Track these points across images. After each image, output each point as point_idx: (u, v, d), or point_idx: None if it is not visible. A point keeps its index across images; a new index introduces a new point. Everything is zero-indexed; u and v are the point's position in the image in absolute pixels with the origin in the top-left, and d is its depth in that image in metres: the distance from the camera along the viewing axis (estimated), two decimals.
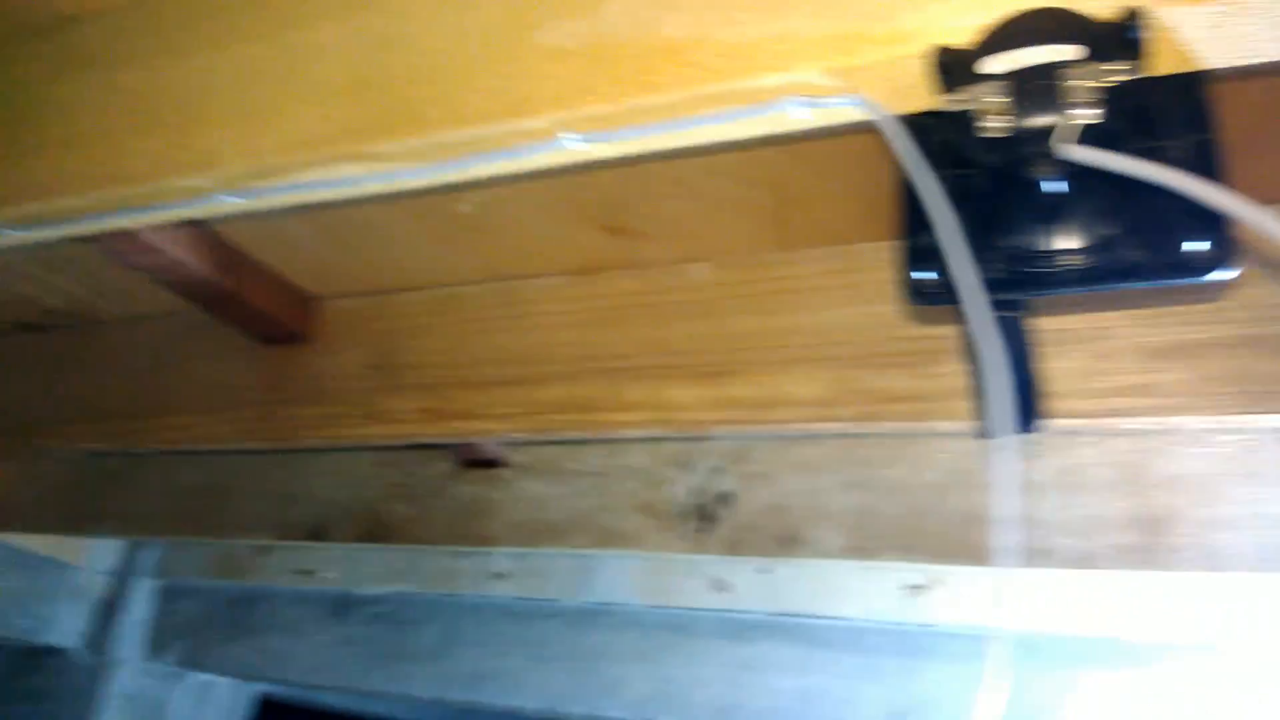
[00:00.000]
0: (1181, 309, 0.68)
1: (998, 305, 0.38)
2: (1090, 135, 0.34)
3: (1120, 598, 1.18)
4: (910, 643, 1.38)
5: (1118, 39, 0.36)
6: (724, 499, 1.21)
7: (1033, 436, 0.37)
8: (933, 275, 0.41)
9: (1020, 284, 0.39)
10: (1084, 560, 1.04)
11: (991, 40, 0.37)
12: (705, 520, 1.21)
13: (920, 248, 0.41)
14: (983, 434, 0.40)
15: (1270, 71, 0.36)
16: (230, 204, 0.61)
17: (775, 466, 1.19)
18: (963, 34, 0.38)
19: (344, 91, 0.56)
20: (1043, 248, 0.38)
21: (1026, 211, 0.39)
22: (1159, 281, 0.37)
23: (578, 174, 0.59)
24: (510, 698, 1.63)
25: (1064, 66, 0.36)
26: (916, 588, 1.36)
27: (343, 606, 1.69)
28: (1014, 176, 0.37)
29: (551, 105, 0.48)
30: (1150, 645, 1.19)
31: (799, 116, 0.44)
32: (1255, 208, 0.31)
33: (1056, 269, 0.38)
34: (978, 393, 0.40)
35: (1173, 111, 0.36)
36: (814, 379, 0.80)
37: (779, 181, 0.73)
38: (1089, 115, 0.35)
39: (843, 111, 0.43)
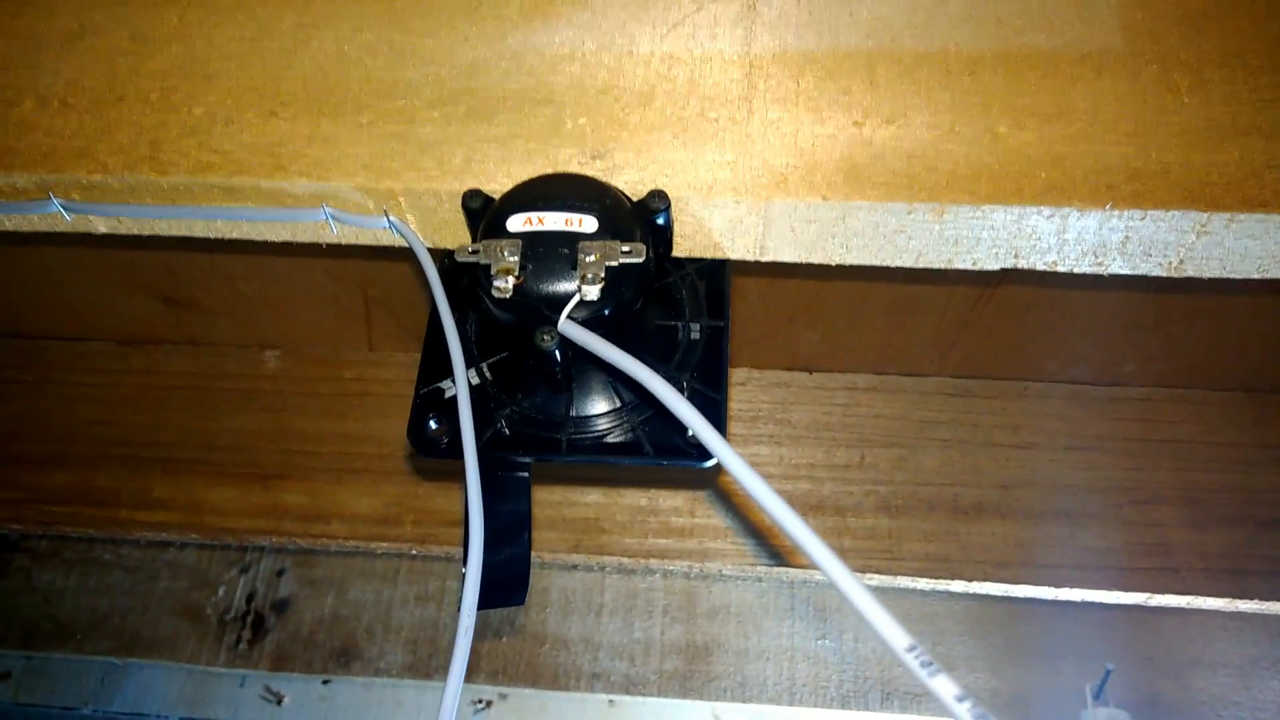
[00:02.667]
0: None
1: (506, 464, 0.36)
2: (613, 309, 0.34)
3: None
4: None
5: (638, 219, 0.37)
6: (280, 606, 1.10)
7: (504, 611, 0.34)
8: (442, 425, 0.38)
9: (526, 446, 0.37)
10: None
11: (520, 194, 0.36)
12: (256, 629, 1.09)
13: (433, 394, 0.38)
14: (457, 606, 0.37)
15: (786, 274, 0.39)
16: None
17: (343, 573, 1.11)
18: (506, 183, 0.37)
19: None
20: (556, 413, 0.37)
21: (543, 373, 0.38)
22: (661, 461, 0.37)
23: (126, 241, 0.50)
24: None
25: (581, 238, 0.35)
26: (484, 703, 1.32)
27: None
28: (506, 332, 0.36)
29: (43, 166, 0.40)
30: None
31: (334, 231, 0.40)
32: (693, 411, 0.32)
33: (568, 436, 0.37)
34: (465, 546, 0.37)
35: (694, 296, 0.37)
36: (375, 493, 0.74)
37: (366, 280, 0.68)
38: (593, 291, 0.34)
39: (373, 233, 0.40)
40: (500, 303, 0.34)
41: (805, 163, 0.40)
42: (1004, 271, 0.47)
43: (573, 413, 0.38)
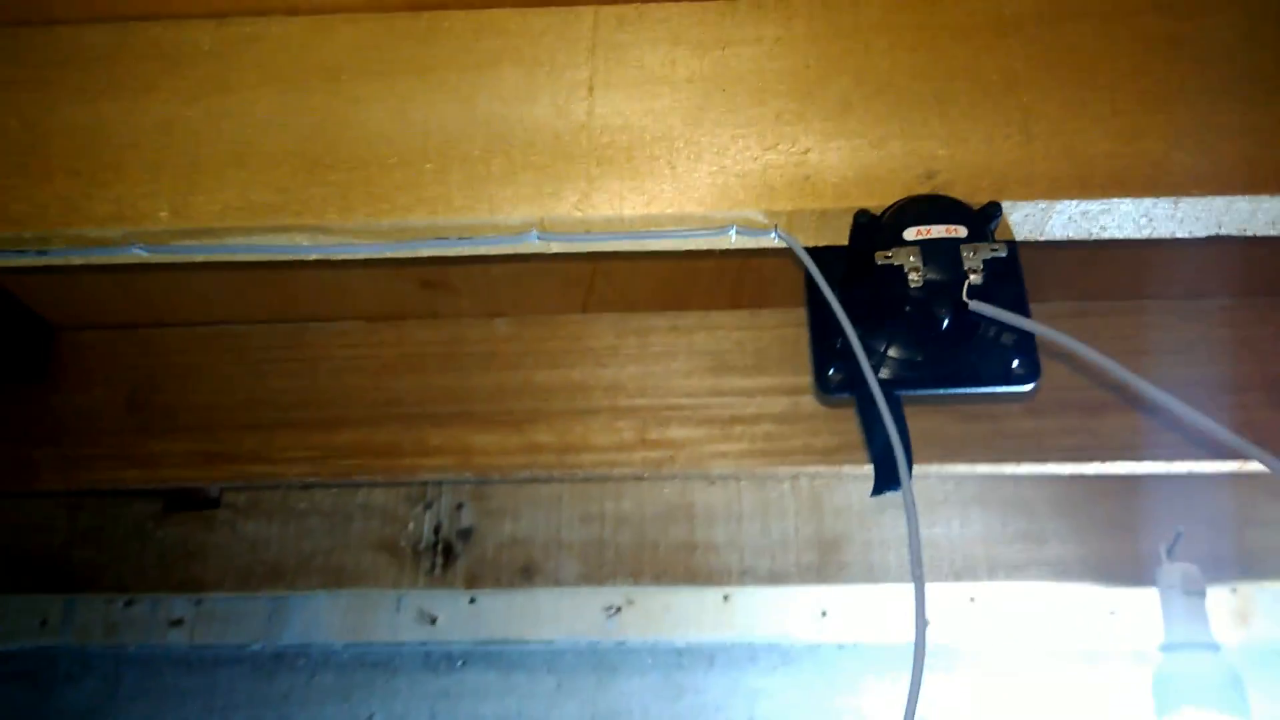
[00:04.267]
0: None
1: (887, 395, 0.52)
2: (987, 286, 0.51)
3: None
4: (605, 660, 1.53)
5: (984, 222, 0.52)
6: (464, 535, 1.27)
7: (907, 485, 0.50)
8: (841, 373, 0.54)
9: (903, 382, 0.53)
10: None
11: (899, 212, 0.52)
12: (447, 556, 1.26)
13: (828, 351, 0.54)
14: (874, 489, 0.53)
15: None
16: (142, 256, 0.57)
17: (514, 503, 1.28)
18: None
19: (289, 163, 0.56)
20: (918, 359, 0.53)
21: (907, 333, 0.54)
22: (997, 387, 0.54)
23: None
24: None
25: (960, 241, 0.51)
26: (614, 609, 1.51)
27: None
28: (897, 305, 0.51)
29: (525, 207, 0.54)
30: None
31: (738, 241, 0.55)
32: (1051, 329, 0.48)
33: (927, 371, 0.53)
34: (871, 455, 0.54)
35: (1003, 270, 0.53)
36: (610, 429, 0.91)
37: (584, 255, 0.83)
38: (976, 277, 0.51)
39: (768, 240, 0.55)
40: (913, 289, 0.50)
41: None
42: None
43: (931, 358, 0.54)
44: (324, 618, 1.51)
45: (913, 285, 0.50)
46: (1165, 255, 0.79)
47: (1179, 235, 0.55)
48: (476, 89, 0.59)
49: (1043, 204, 0.54)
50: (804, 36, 0.58)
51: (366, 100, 0.59)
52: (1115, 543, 1.22)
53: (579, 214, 0.55)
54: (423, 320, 0.96)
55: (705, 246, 0.57)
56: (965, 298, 0.51)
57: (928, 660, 1.58)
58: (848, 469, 0.88)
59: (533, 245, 0.57)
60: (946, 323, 0.52)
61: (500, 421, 0.92)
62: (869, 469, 0.97)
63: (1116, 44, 0.56)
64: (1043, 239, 0.56)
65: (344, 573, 1.27)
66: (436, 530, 1.26)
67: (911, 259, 0.51)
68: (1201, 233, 0.55)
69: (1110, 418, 0.88)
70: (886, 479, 0.53)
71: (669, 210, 0.55)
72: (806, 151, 0.55)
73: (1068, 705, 1.39)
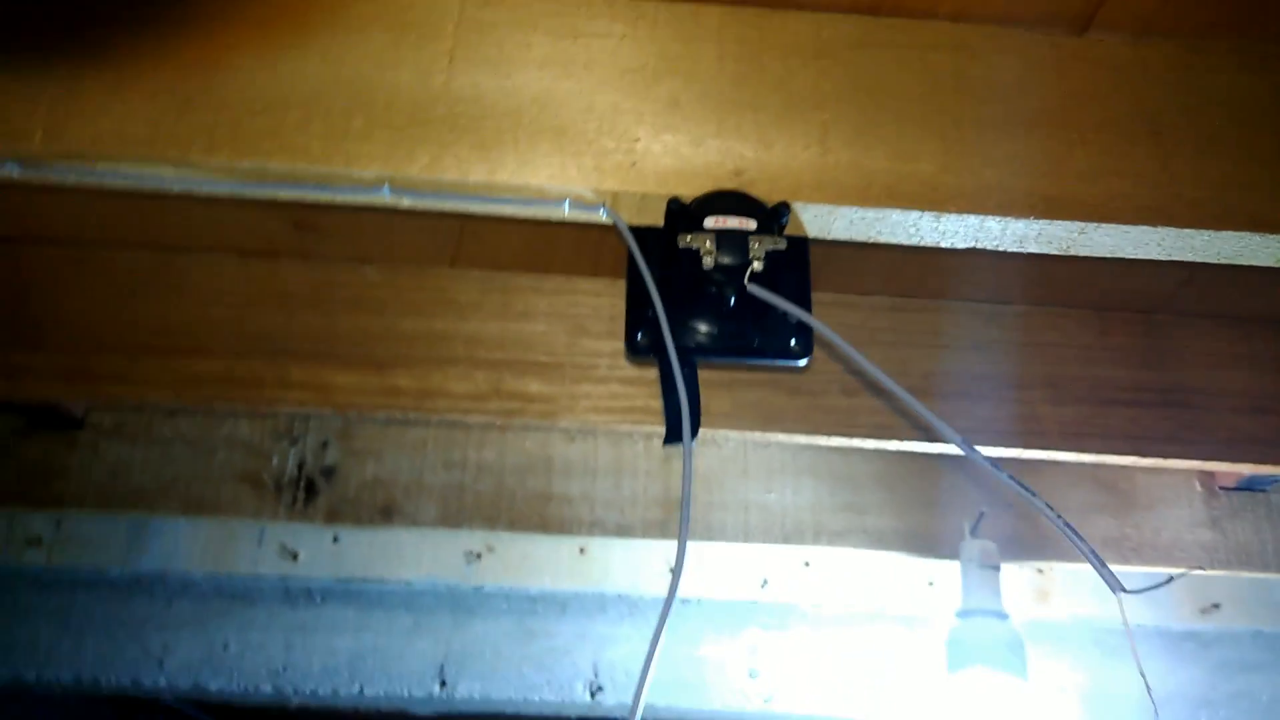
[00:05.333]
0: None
1: (683, 361, 0.60)
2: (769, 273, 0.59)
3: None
4: (462, 603, 1.60)
5: (774, 219, 0.61)
6: (328, 472, 1.32)
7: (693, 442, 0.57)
8: (647, 338, 0.62)
9: (698, 349, 0.62)
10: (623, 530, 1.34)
11: (704, 203, 0.60)
12: (308, 491, 1.31)
13: (639, 319, 0.62)
14: (665, 440, 0.61)
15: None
16: (14, 176, 0.60)
17: (379, 444, 1.33)
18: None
19: (163, 99, 0.60)
20: (711, 331, 0.62)
21: (703, 308, 0.62)
22: (771, 359, 0.62)
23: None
24: (39, 670, 1.53)
25: (749, 233, 0.59)
26: (475, 554, 1.58)
27: None
28: (694, 283, 0.60)
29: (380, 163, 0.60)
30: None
31: (571, 214, 0.62)
32: (807, 314, 0.57)
33: (718, 342, 0.61)
34: (666, 412, 0.61)
35: (789, 262, 0.61)
36: (468, 378, 0.97)
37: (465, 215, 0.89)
38: (759, 265, 0.59)
39: (597, 216, 0.62)
40: (705, 270, 0.58)
41: None
42: None
43: (723, 331, 0.62)
44: (184, 546, 1.54)
45: (706, 267, 0.58)
46: (973, 263, 0.89)
47: (942, 245, 0.65)
48: (346, 49, 0.64)
49: (828, 207, 0.62)
50: (647, 37, 0.65)
51: (241, 48, 0.64)
52: (929, 517, 1.35)
53: (428, 175, 0.62)
54: (294, 260, 1.00)
55: (541, 216, 0.64)
56: (746, 282, 0.59)
57: (764, 617, 1.71)
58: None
59: (384, 199, 0.63)
60: (732, 301, 0.60)
61: (362, 363, 0.97)
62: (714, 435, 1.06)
63: (910, 74, 0.65)
64: (829, 238, 0.65)
65: (204, 502, 1.30)
66: (300, 466, 1.31)
67: (707, 244, 0.59)
68: (961, 245, 0.65)
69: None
70: (675, 433, 0.61)
71: (511, 180, 0.61)
72: (636, 141, 0.62)
73: (889, 664, 1.53)
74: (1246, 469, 1.00)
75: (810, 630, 1.57)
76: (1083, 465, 1.29)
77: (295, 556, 1.55)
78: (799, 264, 0.61)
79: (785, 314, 0.61)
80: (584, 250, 0.98)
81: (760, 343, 0.62)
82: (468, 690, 1.57)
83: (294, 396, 0.95)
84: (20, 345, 0.96)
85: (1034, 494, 0.58)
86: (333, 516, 1.30)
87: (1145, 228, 0.62)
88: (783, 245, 0.60)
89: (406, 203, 0.63)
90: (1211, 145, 0.64)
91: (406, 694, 1.56)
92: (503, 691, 1.58)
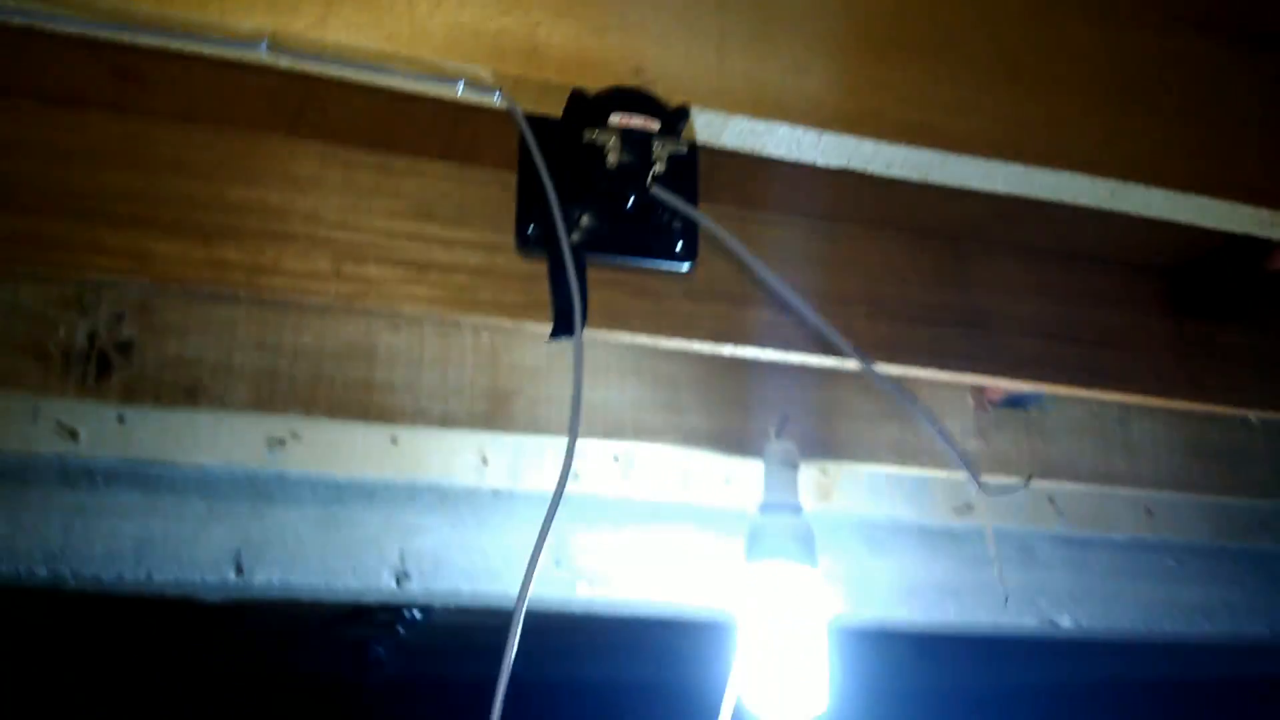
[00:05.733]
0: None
1: (573, 255, 0.60)
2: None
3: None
4: (262, 490, 1.55)
5: (676, 121, 0.61)
6: (124, 348, 1.22)
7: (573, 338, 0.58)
8: (536, 232, 0.61)
9: (589, 246, 0.62)
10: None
11: (609, 99, 0.59)
12: (102, 367, 1.21)
13: (530, 212, 0.61)
14: (551, 334, 0.61)
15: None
16: None
17: (184, 320, 1.24)
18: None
19: None
20: (603, 228, 0.61)
21: (598, 205, 0.61)
22: (658, 262, 0.63)
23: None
24: None
25: (652, 135, 0.59)
26: (278, 440, 1.52)
27: None
28: (594, 180, 0.59)
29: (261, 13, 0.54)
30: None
31: (464, 95, 0.59)
32: (711, 222, 0.59)
33: (609, 240, 0.61)
34: (554, 306, 0.61)
35: (683, 166, 0.62)
36: (305, 256, 0.93)
37: (298, 79, 0.83)
38: (660, 167, 0.59)
39: (491, 100, 0.60)
40: (608, 168, 0.57)
41: None
42: None
43: (614, 229, 0.62)
44: None
45: (609, 165, 0.58)
46: (818, 181, 0.94)
47: (819, 163, 0.68)
48: None
49: (722, 115, 0.64)
50: None
51: None
52: (737, 419, 1.43)
53: (313, 35, 0.57)
54: (106, 112, 0.90)
55: (433, 94, 0.61)
56: (648, 184, 0.60)
57: (573, 509, 1.77)
58: (529, 326, 0.97)
59: (260, 56, 0.58)
60: (631, 202, 0.61)
61: (186, 232, 0.90)
62: (548, 329, 1.07)
63: None
64: (717, 146, 0.67)
65: None
66: (91, 338, 1.20)
67: (612, 141, 0.59)
68: (835, 164, 0.68)
69: (750, 310, 1.04)
70: (564, 327, 0.61)
71: (403, 51, 0.58)
72: (538, 25, 0.61)
73: (686, 553, 1.63)
74: (1029, 387, 1.13)
75: (615, 522, 1.64)
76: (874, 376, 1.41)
77: (75, 435, 1.44)
78: (690, 170, 0.63)
79: (672, 217, 0.63)
80: (436, 131, 0.95)
81: (650, 244, 0.63)
82: (265, 577, 1.53)
83: (106, 263, 0.87)
84: None
85: (914, 403, 0.63)
86: (128, 395, 1.20)
87: (997, 162, 0.68)
88: (684, 150, 0.61)
89: (284, 63, 0.58)
90: (1058, 89, 0.70)
91: (199, 579, 1.50)
92: (304, 579, 1.55)
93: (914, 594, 1.80)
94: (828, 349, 1.05)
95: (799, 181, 0.97)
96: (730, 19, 0.65)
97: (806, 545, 1.33)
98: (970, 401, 1.51)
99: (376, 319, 1.29)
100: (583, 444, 1.52)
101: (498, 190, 0.99)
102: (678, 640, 1.95)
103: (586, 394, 1.38)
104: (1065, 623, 1.89)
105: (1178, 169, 0.70)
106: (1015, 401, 1.48)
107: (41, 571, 1.45)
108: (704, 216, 0.59)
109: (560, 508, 1.70)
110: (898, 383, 0.66)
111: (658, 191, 0.60)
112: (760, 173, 0.89)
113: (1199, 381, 1.13)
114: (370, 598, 1.60)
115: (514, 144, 0.65)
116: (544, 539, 0.57)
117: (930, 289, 1.11)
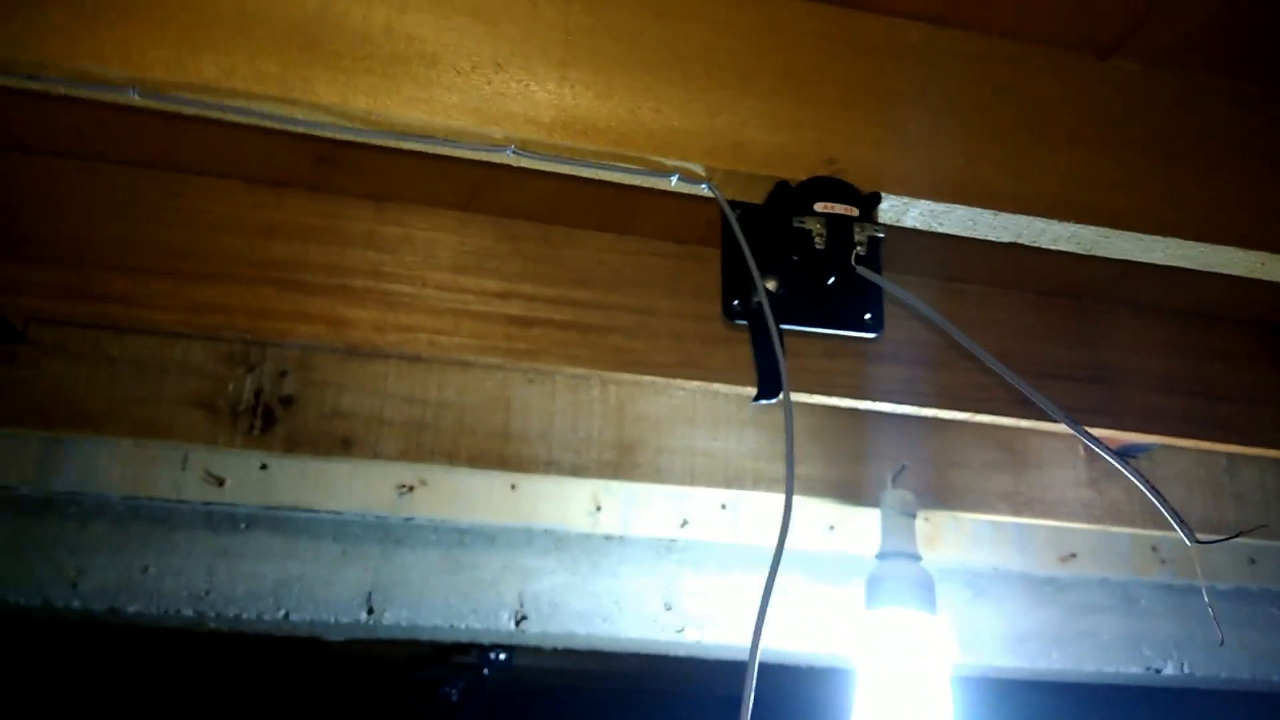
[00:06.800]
0: None
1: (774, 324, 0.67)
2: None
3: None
4: (391, 533, 1.62)
5: (871, 206, 0.68)
6: (286, 402, 1.31)
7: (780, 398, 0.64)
8: (741, 305, 0.68)
9: (787, 317, 0.68)
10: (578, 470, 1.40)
11: (809, 187, 0.66)
12: (266, 420, 1.30)
13: (734, 286, 0.68)
14: (756, 397, 0.68)
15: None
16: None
17: (340, 376, 1.33)
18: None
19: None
20: (801, 301, 0.68)
21: (799, 281, 0.68)
22: (849, 331, 0.70)
23: None
24: None
25: (853, 220, 0.66)
26: (407, 487, 1.60)
27: None
28: (793, 260, 0.66)
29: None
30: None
31: (675, 185, 0.67)
32: (915, 298, 0.65)
33: (806, 312, 0.68)
34: (758, 370, 0.68)
35: (875, 245, 0.68)
36: (485, 321, 1.01)
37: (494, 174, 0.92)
38: (861, 249, 0.66)
39: (700, 189, 0.67)
40: (817, 250, 0.64)
41: None
42: None
43: (806, 301, 0.68)
44: (101, 466, 1.49)
45: (816, 246, 0.65)
46: (950, 246, 0.99)
47: (991, 239, 0.74)
48: None
49: (904, 200, 0.70)
50: None
51: None
52: (851, 468, 1.48)
53: (555, 140, 0.65)
54: (304, 191, 1.00)
55: (648, 185, 0.69)
56: (854, 263, 0.66)
57: (684, 555, 1.81)
58: (679, 383, 1.03)
59: (504, 158, 0.66)
60: (833, 279, 0.67)
61: (374, 300, 0.99)
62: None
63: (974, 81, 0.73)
64: (898, 225, 0.73)
65: (155, 426, 1.27)
66: (258, 394, 1.29)
67: (818, 226, 0.65)
68: (1005, 239, 0.74)
69: (881, 366, 1.10)
70: (770, 389, 0.67)
71: (629, 151, 0.66)
72: (744, 124, 0.68)
73: (793, 602, 1.67)
74: (1153, 439, 1.16)
75: (721, 567, 1.69)
76: (984, 426, 1.46)
77: (221, 483, 1.53)
78: (879, 247, 0.69)
79: (858, 289, 0.69)
80: (596, 207, 1.02)
81: (843, 315, 0.69)
82: (394, 617, 1.60)
83: (307, 330, 0.96)
84: (13, 259, 0.92)
85: (1124, 462, 0.68)
86: (291, 445, 1.29)
87: (1156, 238, 0.73)
88: (880, 233, 0.68)
89: (525, 163, 0.66)
90: (1208, 169, 0.76)
91: (333, 620, 1.58)
92: (429, 619, 1.62)
93: (1024, 640, 1.81)
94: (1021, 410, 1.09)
95: (933, 247, 1.03)
96: (905, 111, 0.72)
97: (926, 592, 1.36)
98: (1082, 451, 1.54)
99: (512, 373, 1.37)
100: (691, 491, 1.58)
101: (649, 259, 1.07)
102: (785, 686, 1.98)
103: (706, 444, 1.44)
104: (1169, 670, 1.88)
105: None
106: (1125, 452, 1.50)
107: (187, 612, 1.54)
108: (908, 294, 0.65)
109: (668, 553, 1.75)
110: (1097, 440, 0.71)
111: (863, 270, 0.66)
112: (902, 240, 0.95)
113: None
114: (492, 639, 1.67)
115: (667, 216, 0.71)
116: (769, 594, 0.62)
117: (1059, 345, 1.16)
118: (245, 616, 1.56)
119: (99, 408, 1.25)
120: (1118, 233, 0.72)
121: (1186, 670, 1.84)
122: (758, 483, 1.46)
